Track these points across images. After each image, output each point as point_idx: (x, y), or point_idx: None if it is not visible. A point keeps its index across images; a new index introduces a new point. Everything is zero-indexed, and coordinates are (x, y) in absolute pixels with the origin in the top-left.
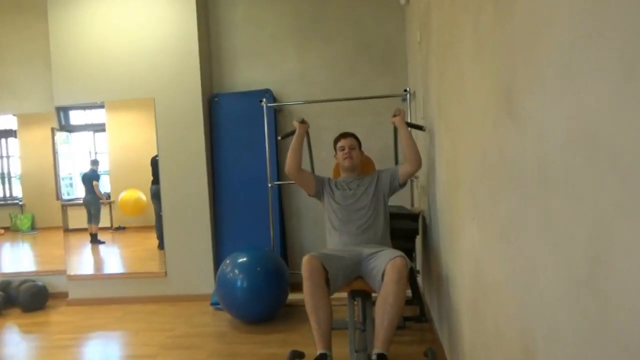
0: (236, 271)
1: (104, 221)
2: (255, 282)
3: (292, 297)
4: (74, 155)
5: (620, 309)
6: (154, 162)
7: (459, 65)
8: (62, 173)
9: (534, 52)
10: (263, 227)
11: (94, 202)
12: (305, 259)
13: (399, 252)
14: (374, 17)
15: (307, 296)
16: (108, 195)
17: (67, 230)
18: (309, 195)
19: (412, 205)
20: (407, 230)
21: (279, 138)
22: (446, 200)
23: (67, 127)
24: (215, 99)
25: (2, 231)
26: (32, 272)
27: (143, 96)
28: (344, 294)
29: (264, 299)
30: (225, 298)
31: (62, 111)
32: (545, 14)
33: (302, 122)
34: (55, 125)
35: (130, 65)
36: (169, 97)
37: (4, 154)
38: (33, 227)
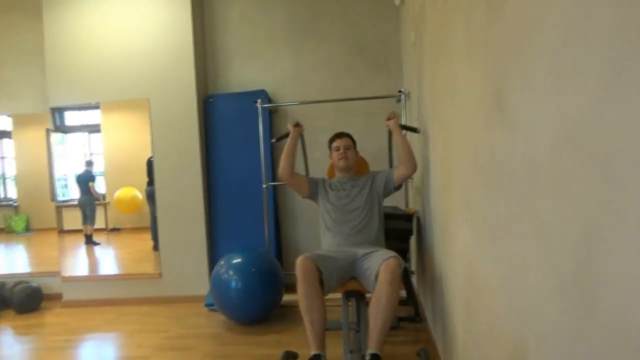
0: (231, 272)
1: (99, 222)
2: (250, 283)
3: (286, 298)
4: (69, 156)
5: (607, 307)
6: (150, 163)
7: (452, 65)
8: (57, 174)
9: (523, 53)
10: (258, 228)
11: (89, 203)
12: (299, 259)
13: (392, 253)
14: (369, 17)
15: (301, 297)
16: (103, 197)
17: (61, 231)
18: (303, 197)
19: (407, 205)
20: (402, 231)
21: (273, 141)
22: (440, 200)
23: (62, 128)
24: (210, 100)
25: None
26: (27, 273)
27: (138, 97)
28: (339, 295)
29: (259, 300)
30: (219, 299)
31: (57, 112)
32: (534, 14)
33: (297, 125)
34: (50, 126)
35: (125, 65)
36: (164, 98)
37: None
38: (28, 229)
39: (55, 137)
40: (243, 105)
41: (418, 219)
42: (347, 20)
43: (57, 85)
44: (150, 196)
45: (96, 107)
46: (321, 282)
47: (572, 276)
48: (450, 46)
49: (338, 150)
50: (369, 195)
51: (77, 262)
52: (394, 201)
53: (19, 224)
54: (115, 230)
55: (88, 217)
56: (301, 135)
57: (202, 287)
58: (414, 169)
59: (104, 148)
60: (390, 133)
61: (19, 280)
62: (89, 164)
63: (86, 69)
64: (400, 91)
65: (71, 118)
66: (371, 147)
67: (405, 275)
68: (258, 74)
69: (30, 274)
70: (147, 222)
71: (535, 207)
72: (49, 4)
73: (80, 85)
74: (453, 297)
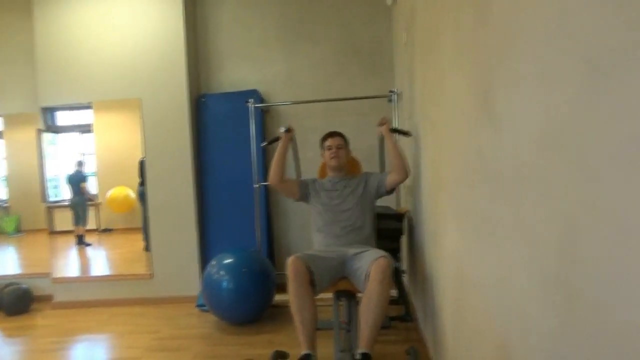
0: (222, 272)
1: (91, 223)
2: (241, 283)
3: (278, 298)
4: (61, 157)
5: (587, 304)
6: (142, 164)
7: (441, 65)
8: (48, 174)
9: (508, 54)
10: (249, 228)
11: (81, 203)
12: (289, 260)
13: (383, 252)
14: (361, 18)
15: (291, 297)
16: (95, 197)
17: (53, 232)
18: (295, 200)
19: (399, 205)
20: (393, 230)
21: (263, 144)
22: (430, 200)
23: (53, 128)
24: (202, 99)
25: None
26: (17, 275)
27: (129, 96)
28: (330, 295)
29: (250, 300)
30: (211, 299)
31: (48, 112)
32: (519, 16)
33: (288, 130)
34: (41, 126)
35: (117, 65)
36: (156, 98)
37: None
38: (18, 230)
39: (47, 137)
40: (235, 105)
41: (409, 218)
42: (339, 21)
43: (48, 85)
44: (142, 196)
45: (88, 107)
46: (312, 282)
47: (554, 274)
48: (440, 46)
49: (330, 149)
50: (362, 195)
51: (68, 263)
52: (386, 201)
53: (9, 225)
54: (106, 230)
55: (80, 218)
56: (292, 139)
57: (193, 287)
58: (406, 175)
59: (96, 148)
60: (381, 139)
61: (9, 282)
62: (80, 164)
63: (77, 68)
64: (391, 91)
65: (63, 118)
66: (363, 147)
67: (397, 275)
68: (250, 74)
69: (20, 276)
70: (139, 223)
71: (519, 206)
72: (39, 3)
73: (72, 84)
74: (443, 296)
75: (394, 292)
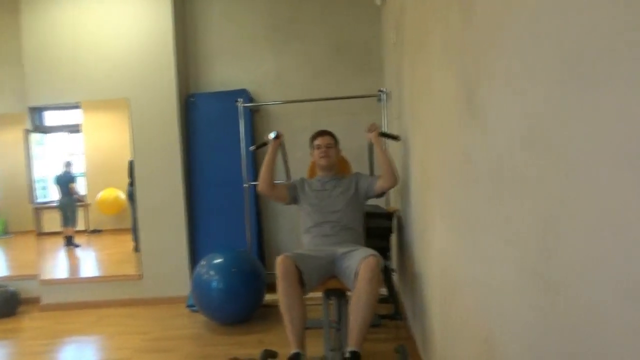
0: (212, 272)
1: (79, 224)
2: (231, 283)
3: (268, 297)
4: (49, 157)
5: (564, 298)
6: (132, 164)
7: (429, 65)
8: (36, 175)
9: (491, 54)
10: (239, 228)
11: (70, 204)
12: (279, 259)
13: (372, 251)
14: (351, 17)
15: (281, 296)
16: (84, 198)
17: (41, 233)
18: (284, 204)
19: (388, 204)
20: (382, 229)
21: (251, 149)
22: (419, 199)
23: (41, 128)
24: (191, 99)
25: None
26: (3, 277)
27: (117, 96)
28: (319, 294)
29: (240, 300)
30: (201, 300)
31: (36, 112)
32: (502, 16)
33: (276, 137)
34: (29, 126)
35: (105, 64)
36: (144, 97)
37: None
38: (6, 232)
39: (34, 137)
40: (224, 105)
41: (399, 217)
42: (328, 20)
43: (36, 85)
44: (132, 197)
45: (76, 106)
46: (301, 281)
47: (534, 271)
48: (428, 46)
49: (320, 148)
50: (353, 196)
51: (56, 265)
52: (375, 200)
53: None
54: (96, 231)
55: (69, 219)
56: (281, 144)
57: (183, 288)
58: (395, 183)
59: (84, 148)
60: (371, 145)
61: None
62: (68, 164)
63: (65, 67)
64: (381, 90)
65: (51, 118)
66: (352, 147)
67: (386, 273)
68: (240, 73)
69: (7, 278)
70: (129, 224)
71: (501, 205)
72: (27, 2)
73: (59, 84)
74: (431, 294)
75: (383, 291)
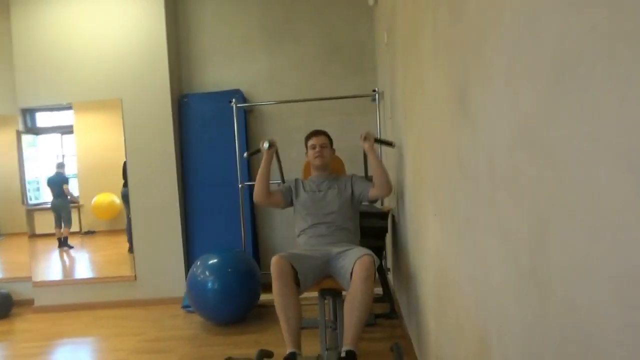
0: (207, 273)
1: (73, 225)
2: (227, 284)
3: (264, 297)
4: (41, 159)
5: (557, 296)
6: (126, 165)
7: (420, 65)
8: (29, 177)
9: (481, 54)
10: (234, 228)
11: (64, 205)
12: (274, 259)
13: (366, 251)
14: (344, 18)
15: (276, 296)
16: (77, 199)
17: (34, 235)
18: (281, 209)
19: (383, 204)
20: (377, 229)
21: (245, 156)
22: (412, 198)
23: (33, 130)
24: (185, 99)
25: None
26: None
27: (110, 97)
28: (315, 293)
29: (236, 300)
30: (196, 300)
31: (28, 113)
32: (492, 15)
33: (270, 146)
34: (21, 127)
35: (97, 65)
36: (137, 98)
37: None
38: None
39: (27, 138)
40: (218, 105)
41: (393, 217)
42: (322, 21)
43: (27, 86)
44: (126, 197)
45: (68, 107)
46: (296, 281)
47: (527, 269)
48: (419, 46)
49: (314, 148)
50: (348, 197)
51: (50, 267)
52: None
53: None
54: (89, 233)
55: (63, 220)
56: (276, 152)
57: (178, 288)
58: (388, 192)
59: (77, 149)
60: (365, 153)
61: None
62: (61, 166)
63: (57, 68)
64: (374, 90)
65: (43, 119)
66: (346, 147)
67: (381, 273)
68: (233, 73)
69: (0, 280)
70: (123, 225)
71: (494, 205)
72: (17, 2)
73: (51, 85)
74: (425, 292)
75: (379, 290)
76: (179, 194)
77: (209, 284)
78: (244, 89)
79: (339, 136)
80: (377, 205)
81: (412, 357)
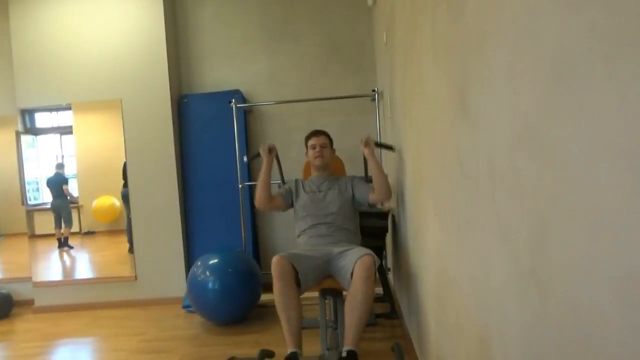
0: (207, 273)
1: (73, 226)
2: (227, 284)
3: (264, 297)
4: (40, 159)
5: (558, 296)
6: (125, 165)
7: (420, 64)
8: (28, 177)
9: (482, 52)
10: (234, 228)
11: (64, 205)
12: (274, 259)
13: (367, 251)
14: (343, 18)
15: (277, 296)
16: (77, 199)
17: (34, 236)
18: (282, 211)
19: (382, 204)
20: (377, 229)
21: (245, 160)
22: (413, 198)
23: (32, 130)
24: (184, 100)
25: None
26: None
27: (109, 97)
28: (316, 293)
29: (236, 300)
30: (196, 300)
31: (27, 113)
32: (492, 15)
33: (270, 150)
34: (20, 128)
35: (96, 65)
36: (137, 98)
37: None
38: None
39: (26, 139)
40: (218, 105)
41: (393, 216)
42: (321, 21)
43: (26, 86)
44: (126, 198)
45: (68, 108)
46: (297, 281)
47: (528, 269)
48: (418, 46)
49: (314, 148)
50: (348, 198)
51: (50, 267)
52: None
53: None
54: (89, 233)
55: (64, 220)
56: (276, 156)
57: (179, 288)
58: (387, 198)
59: (76, 150)
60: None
61: None
62: (60, 166)
63: (56, 69)
64: (373, 90)
65: (42, 120)
66: (346, 147)
67: (381, 273)
68: (233, 73)
69: (0, 280)
70: (123, 225)
71: (494, 204)
72: (15, 3)
73: (50, 86)
74: (426, 292)
75: (379, 290)
76: (179, 194)
77: (210, 284)
78: (243, 89)
79: (339, 136)
80: (377, 205)
81: (413, 357)
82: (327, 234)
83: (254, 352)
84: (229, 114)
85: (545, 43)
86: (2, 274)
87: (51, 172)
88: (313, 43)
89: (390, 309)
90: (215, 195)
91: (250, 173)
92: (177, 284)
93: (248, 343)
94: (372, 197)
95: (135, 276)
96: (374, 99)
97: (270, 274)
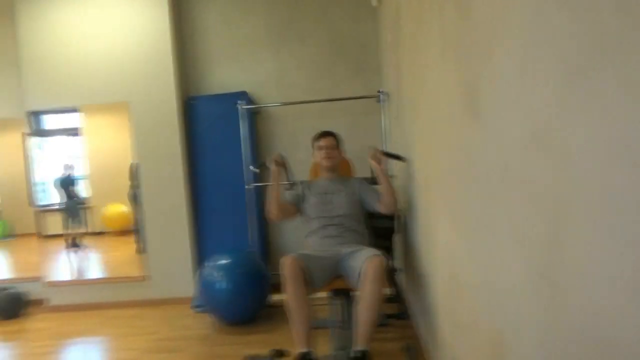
0: (217, 273)
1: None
2: (236, 284)
3: (273, 297)
4: (48, 161)
5: (572, 298)
6: (132, 167)
7: (428, 64)
8: (36, 179)
9: (492, 52)
10: (243, 229)
11: (73, 206)
12: (285, 259)
13: (376, 251)
14: (348, 18)
15: (288, 296)
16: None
17: (44, 236)
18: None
19: None
20: (385, 229)
21: (252, 169)
22: (422, 198)
23: (40, 132)
24: (192, 102)
25: None
26: (9, 279)
27: (117, 100)
28: (326, 293)
29: (246, 300)
30: (206, 300)
31: (34, 116)
32: (501, 15)
33: (277, 163)
34: (27, 130)
35: (103, 68)
36: (144, 101)
37: None
38: (9, 234)
39: (34, 141)
40: (225, 107)
41: (403, 217)
42: (326, 21)
43: (33, 89)
44: (135, 199)
45: (75, 110)
46: (307, 282)
47: (542, 270)
48: (426, 45)
49: (322, 149)
50: (356, 200)
51: (61, 267)
52: None
53: None
54: (99, 233)
55: (73, 221)
56: (286, 167)
57: (189, 288)
58: (393, 209)
59: (86, 151)
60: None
61: (1, 287)
62: (69, 167)
63: (63, 72)
64: (379, 91)
65: (49, 122)
66: (354, 148)
67: (390, 273)
68: (239, 75)
69: (12, 280)
70: (131, 225)
71: (507, 205)
72: (22, 6)
73: (57, 88)
74: (436, 292)
75: (389, 290)
76: (188, 195)
77: (219, 284)
78: (250, 90)
79: (346, 137)
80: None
81: (424, 358)
82: (336, 235)
83: (265, 351)
84: (236, 115)
85: (558, 40)
86: (15, 274)
87: (59, 173)
88: (319, 43)
89: (400, 309)
90: (223, 196)
91: (258, 174)
92: (187, 284)
93: (258, 343)
94: (378, 206)
95: (146, 276)
96: (379, 100)
97: (278, 274)
